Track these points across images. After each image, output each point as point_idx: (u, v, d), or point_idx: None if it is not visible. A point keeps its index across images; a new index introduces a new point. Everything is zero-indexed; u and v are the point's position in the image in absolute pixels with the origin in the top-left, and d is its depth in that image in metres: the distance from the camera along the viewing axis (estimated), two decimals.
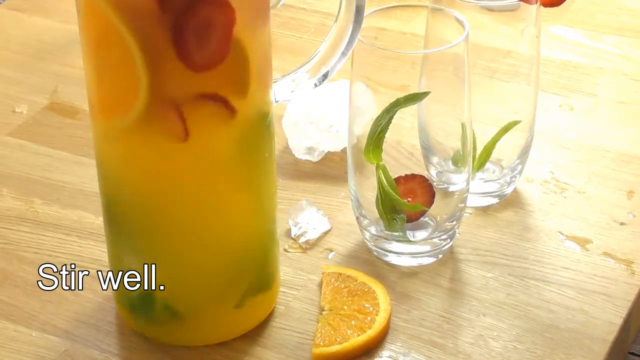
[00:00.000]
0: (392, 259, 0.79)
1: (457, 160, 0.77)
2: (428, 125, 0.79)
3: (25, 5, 1.15)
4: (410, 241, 0.78)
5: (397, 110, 0.73)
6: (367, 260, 0.80)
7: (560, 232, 0.82)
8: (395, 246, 0.78)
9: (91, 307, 0.76)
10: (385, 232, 0.78)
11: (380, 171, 0.75)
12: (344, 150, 0.89)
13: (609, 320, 0.74)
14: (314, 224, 0.82)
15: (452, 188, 0.78)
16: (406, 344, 0.73)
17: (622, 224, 0.83)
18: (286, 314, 0.75)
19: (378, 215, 0.77)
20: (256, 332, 0.74)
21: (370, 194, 0.77)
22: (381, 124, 0.73)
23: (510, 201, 0.86)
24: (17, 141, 0.94)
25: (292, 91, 0.72)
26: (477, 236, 0.82)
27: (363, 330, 0.72)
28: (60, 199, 0.87)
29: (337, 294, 0.75)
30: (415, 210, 0.77)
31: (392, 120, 0.73)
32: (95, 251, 0.81)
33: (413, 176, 0.76)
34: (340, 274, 0.77)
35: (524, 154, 0.85)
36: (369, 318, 0.73)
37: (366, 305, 0.74)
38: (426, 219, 0.78)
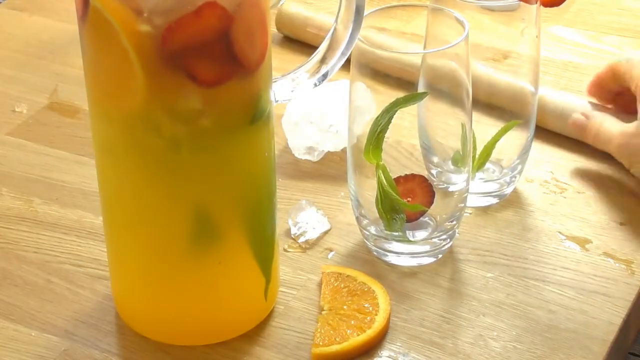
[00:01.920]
0: (391, 259, 0.79)
1: (457, 160, 0.77)
2: (428, 125, 0.79)
3: (26, 4, 1.15)
4: (410, 241, 0.78)
5: (397, 110, 0.73)
6: (367, 260, 0.80)
7: (560, 232, 0.82)
8: (395, 246, 0.78)
9: (91, 306, 0.76)
10: (385, 232, 0.78)
11: (380, 171, 0.75)
12: (344, 150, 0.89)
13: (609, 320, 0.74)
14: (314, 224, 0.82)
15: (452, 188, 0.78)
16: (406, 344, 0.73)
17: (622, 224, 0.83)
18: (286, 313, 0.75)
19: (378, 215, 0.77)
20: (256, 332, 0.74)
21: (370, 194, 0.77)
22: (381, 123, 0.73)
23: (510, 201, 0.85)
24: (16, 140, 0.94)
25: (292, 91, 0.72)
26: (477, 236, 0.82)
27: (362, 330, 0.72)
28: (60, 198, 0.87)
29: (337, 294, 0.75)
30: (415, 210, 0.77)
31: (392, 120, 0.73)
32: (95, 250, 0.81)
33: (413, 176, 0.76)
34: (340, 273, 0.77)
35: (524, 154, 0.85)
36: (368, 318, 0.73)
37: (366, 305, 0.74)
38: (426, 219, 0.78)
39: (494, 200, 0.85)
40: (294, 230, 0.82)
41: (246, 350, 0.72)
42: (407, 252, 0.78)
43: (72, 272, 0.79)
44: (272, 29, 1.04)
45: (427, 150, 0.79)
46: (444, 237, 0.79)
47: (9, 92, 1.00)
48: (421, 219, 0.78)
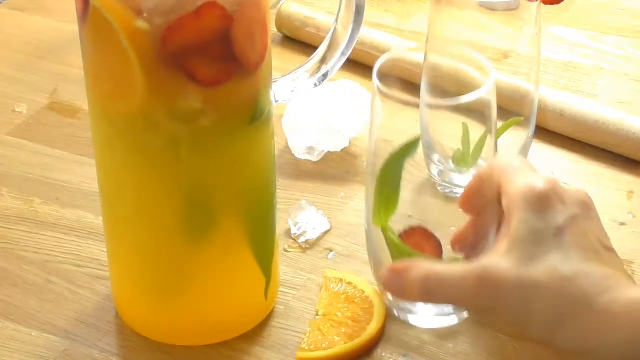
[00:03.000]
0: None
1: (458, 160, 0.76)
2: (429, 125, 0.78)
3: (26, 4, 1.15)
4: None
5: (403, 164, 0.67)
6: (367, 260, 0.79)
7: None
8: None
9: (91, 306, 0.76)
10: None
11: (389, 232, 0.70)
12: (344, 150, 0.89)
13: None
14: (314, 224, 0.82)
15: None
16: (398, 351, 0.72)
17: (622, 224, 0.83)
18: (286, 313, 0.75)
19: None
20: (256, 332, 0.74)
21: None
22: (390, 183, 0.68)
23: None
24: (16, 140, 0.94)
25: (292, 91, 0.72)
26: None
27: (351, 339, 0.71)
28: (60, 198, 0.87)
29: (334, 300, 0.75)
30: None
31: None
32: (95, 251, 0.81)
33: (412, 230, 0.71)
34: (341, 279, 0.76)
35: (524, 153, 0.84)
36: (360, 327, 0.72)
37: (360, 314, 0.73)
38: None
39: None
40: (294, 230, 0.82)
41: (246, 350, 0.72)
42: None
43: (72, 272, 0.79)
44: (272, 29, 1.04)
45: (429, 149, 0.79)
46: None
47: (9, 92, 1.00)
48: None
